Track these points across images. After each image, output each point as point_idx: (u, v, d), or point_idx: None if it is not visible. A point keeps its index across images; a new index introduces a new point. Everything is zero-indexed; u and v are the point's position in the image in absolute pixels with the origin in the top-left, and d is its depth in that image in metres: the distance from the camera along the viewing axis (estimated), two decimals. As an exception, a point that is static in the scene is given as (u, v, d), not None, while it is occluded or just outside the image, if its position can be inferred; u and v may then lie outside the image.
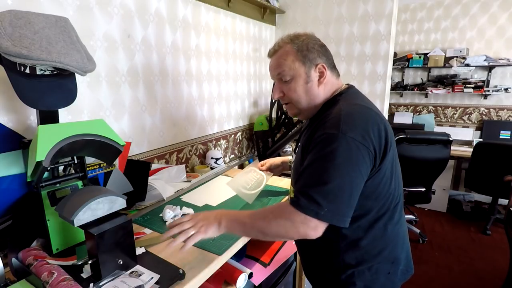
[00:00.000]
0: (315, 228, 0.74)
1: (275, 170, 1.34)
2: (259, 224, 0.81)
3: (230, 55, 2.10)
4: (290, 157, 1.34)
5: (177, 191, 1.36)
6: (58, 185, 0.89)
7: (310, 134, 0.84)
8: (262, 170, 1.33)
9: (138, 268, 0.81)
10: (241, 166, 2.30)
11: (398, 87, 3.92)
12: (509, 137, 3.40)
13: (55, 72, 0.82)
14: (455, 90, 3.55)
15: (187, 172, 1.58)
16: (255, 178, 1.28)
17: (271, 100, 2.20)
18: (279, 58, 0.90)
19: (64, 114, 1.14)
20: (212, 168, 1.80)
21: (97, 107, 1.27)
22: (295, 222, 0.75)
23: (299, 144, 0.97)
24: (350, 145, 0.74)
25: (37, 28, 0.77)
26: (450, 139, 2.45)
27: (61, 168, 0.92)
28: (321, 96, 0.90)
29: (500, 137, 3.44)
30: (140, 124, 1.48)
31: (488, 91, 3.43)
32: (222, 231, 0.84)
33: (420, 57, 3.68)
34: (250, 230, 0.83)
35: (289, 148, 2.22)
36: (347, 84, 0.95)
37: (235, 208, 1.22)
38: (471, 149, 2.89)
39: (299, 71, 0.87)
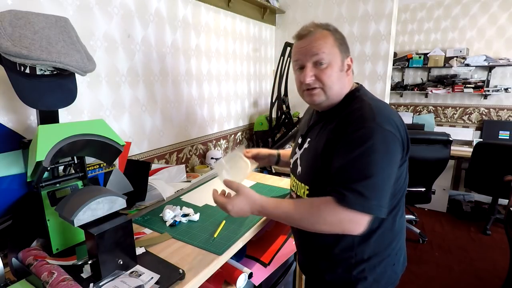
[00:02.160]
0: (360, 223, 0.75)
1: (260, 161, 1.24)
2: (302, 223, 0.80)
3: (230, 55, 2.10)
4: (278, 151, 1.27)
5: (177, 191, 1.36)
6: (58, 185, 0.89)
7: (336, 129, 0.83)
8: (247, 157, 1.20)
9: (138, 268, 0.81)
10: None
11: (398, 87, 3.92)
12: (508, 137, 3.39)
13: (55, 72, 0.82)
14: (455, 90, 3.55)
15: (187, 172, 1.58)
16: (239, 164, 1.18)
17: (271, 100, 2.20)
18: (317, 40, 0.84)
19: (64, 114, 1.14)
20: (212, 168, 1.80)
21: (97, 107, 1.27)
22: (342, 219, 0.75)
23: (308, 139, 0.95)
24: (388, 138, 0.76)
25: (37, 28, 0.77)
26: (450, 139, 2.45)
27: (61, 168, 0.92)
28: (346, 87, 0.89)
29: (499, 137, 3.44)
30: (140, 124, 1.48)
31: (488, 91, 3.43)
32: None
33: (420, 57, 3.68)
34: (291, 224, 0.85)
35: (289, 148, 2.22)
36: (356, 82, 0.95)
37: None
38: (471, 149, 2.89)
39: (336, 57, 0.85)
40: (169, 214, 1.10)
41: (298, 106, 2.39)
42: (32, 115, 1.04)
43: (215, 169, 1.13)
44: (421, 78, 3.89)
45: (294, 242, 1.20)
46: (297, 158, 0.98)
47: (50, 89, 0.82)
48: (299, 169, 0.95)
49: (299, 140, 1.01)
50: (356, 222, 0.75)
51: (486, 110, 3.59)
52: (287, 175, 1.40)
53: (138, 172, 1.20)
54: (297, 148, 1.00)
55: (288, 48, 2.06)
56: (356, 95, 0.89)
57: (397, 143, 0.78)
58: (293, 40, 0.92)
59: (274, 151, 1.26)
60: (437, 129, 3.68)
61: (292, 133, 2.17)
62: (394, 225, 0.89)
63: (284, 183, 1.50)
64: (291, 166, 1.04)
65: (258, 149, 1.24)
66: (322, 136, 0.88)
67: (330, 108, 0.90)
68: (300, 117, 2.36)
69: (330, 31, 0.87)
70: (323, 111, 0.93)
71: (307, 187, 0.91)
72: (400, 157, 0.80)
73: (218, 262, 0.88)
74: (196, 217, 1.11)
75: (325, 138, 0.86)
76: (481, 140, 3.18)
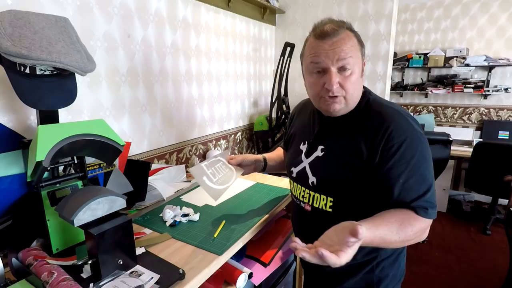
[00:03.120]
0: (429, 229, 0.79)
1: (246, 168, 1.15)
2: (400, 241, 0.75)
3: (230, 55, 2.10)
4: (263, 155, 1.19)
5: (177, 191, 1.36)
6: (58, 185, 0.89)
7: (372, 142, 0.78)
8: (231, 164, 1.13)
9: (138, 268, 0.81)
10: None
11: (398, 87, 3.92)
12: (507, 137, 3.40)
13: (55, 72, 0.82)
14: (455, 90, 3.55)
15: (187, 172, 1.57)
16: (223, 171, 1.09)
17: (271, 100, 2.20)
18: (344, 43, 0.76)
19: (64, 114, 1.14)
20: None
21: (97, 107, 1.27)
22: (423, 230, 0.78)
23: (320, 146, 0.88)
24: (425, 141, 0.79)
25: (37, 28, 0.77)
26: (450, 139, 2.46)
27: (61, 168, 0.92)
28: (361, 92, 0.86)
29: (499, 137, 3.44)
30: (140, 124, 1.48)
31: (488, 91, 3.43)
32: None
33: (420, 57, 3.68)
34: (387, 244, 0.75)
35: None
36: None
37: (239, 207, 1.22)
38: (471, 149, 2.89)
39: (359, 62, 0.80)
40: (169, 214, 1.10)
41: (298, 106, 2.39)
42: (32, 115, 1.04)
43: (192, 173, 1.03)
44: (421, 78, 3.89)
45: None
46: (304, 167, 0.91)
47: (50, 89, 0.82)
48: (313, 179, 0.88)
49: (303, 147, 0.93)
50: (427, 229, 0.79)
51: (486, 110, 3.59)
52: (285, 174, 1.38)
53: (138, 172, 1.20)
54: (302, 156, 0.92)
55: (288, 48, 2.06)
56: (371, 99, 0.86)
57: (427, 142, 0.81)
58: (311, 38, 0.81)
59: (259, 157, 1.18)
60: (437, 129, 3.68)
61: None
62: None
63: (284, 183, 1.50)
64: (294, 175, 0.96)
65: (243, 155, 1.16)
66: (347, 145, 0.82)
67: (345, 115, 0.85)
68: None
69: (353, 32, 0.80)
70: (333, 116, 0.86)
71: (330, 198, 0.85)
72: None
73: (218, 262, 0.88)
74: (196, 217, 1.11)
75: (353, 148, 0.81)
76: (481, 140, 3.18)
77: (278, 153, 1.25)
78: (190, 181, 1.49)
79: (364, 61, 0.84)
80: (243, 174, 1.16)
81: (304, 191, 0.92)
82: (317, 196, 0.88)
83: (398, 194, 0.77)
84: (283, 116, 2.22)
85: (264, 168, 1.19)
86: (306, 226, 0.95)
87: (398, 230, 0.72)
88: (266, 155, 1.21)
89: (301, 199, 0.94)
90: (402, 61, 3.78)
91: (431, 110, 3.89)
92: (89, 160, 0.98)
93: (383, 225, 0.72)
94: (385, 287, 0.91)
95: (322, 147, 0.88)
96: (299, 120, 1.04)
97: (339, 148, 0.84)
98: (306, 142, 0.93)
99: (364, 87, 0.88)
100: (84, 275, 0.78)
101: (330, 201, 0.85)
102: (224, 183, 1.04)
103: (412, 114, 3.82)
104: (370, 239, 0.67)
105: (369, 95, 0.87)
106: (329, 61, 0.77)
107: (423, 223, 0.77)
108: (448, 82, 3.63)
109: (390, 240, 0.72)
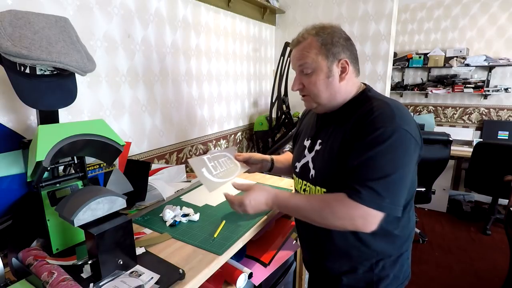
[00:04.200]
0: (372, 221, 0.76)
1: (252, 166, 1.20)
2: (313, 216, 0.82)
3: (230, 55, 2.10)
4: (271, 157, 1.21)
5: (177, 191, 1.36)
6: (58, 185, 0.89)
7: (354, 128, 0.82)
8: (238, 160, 1.14)
9: (138, 268, 0.81)
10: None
11: (398, 87, 3.92)
12: (507, 137, 3.40)
13: (55, 72, 0.82)
14: (455, 90, 3.55)
15: (187, 172, 1.57)
16: (227, 165, 1.08)
17: (271, 100, 2.20)
18: (302, 50, 0.87)
19: (64, 114, 1.14)
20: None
21: (97, 107, 1.27)
22: (355, 215, 0.76)
23: (319, 140, 0.93)
24: (406, 138, 0.77)
25: (37, 28, 0.77)
26: (450, 139, 2.46)
27: (61, 168, 0.91)
28: (343, 92, 0.88)
29: (498, 137, 3.44)
30: (140, 124, 1.48)
31: (488, 91, 3.43)
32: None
33: (420, 57, 3.68)
34: (301, 217, 0.87)
35: (288, 148, 2.22)
36: (363, 83, 0.94)
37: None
38: (471, 149, 2.89)
39: (321, 65, 0.85)
40: (169, 214, 1.09)
41: (298, 106, 2.39)
42: (32, 115, 1.04)
43: (191, 164, 1.03)
44: (421, 78, 3.90)
45: (299, 244, 1.18)
46: (307, 161, 0.96)
47: (50, 89, 0.82)
48: (312, 172, 0.93)
49: (307, 143, 0.98)
50: (368, 219, 0.76)
51: (486, 110, 3.59)
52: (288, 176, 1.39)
53: (138, 172, 1.20)
54: (305, 151, 0.98)
55: (288, 48, 2.06)
56: (369, 95, 0.88)
57: (414, 143, 0.79)
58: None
59: (267, 157, 1.22)
60: (437, 129, 3.69)
61: (292, 133, 2.17)
62: (410, 220, 0.92)
63: (284, 183, 1.50)
64: (297, 170, 1.01)
65: (251, 153, 1.20)
66: (337, 136, 0.87)
67: (339, 110, 0.90)
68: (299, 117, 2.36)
69: (318, 36, 0.85)
70: (327, 112, 0.92)
71: (324, 189, 0.89)
72: (416, 157, 0.82)
73: (218, 262, 0.88)
74: (196, 217, 1.11)
75: (341, 138, 0.85)
76: (481, 140, 3.18)
77: (286, 156, 1.26)
78: (190, 181, 1.49)
79: (337, 62, 0.85)
80: (248, 172, 1.18)
81: (305, 184, 0.96)
82: (314, 189, 0.93)
83: (347, 176, 0.79)
84: (283, 116, 2.22)
85: (270, 169, 1.21)
86: None
87: (318, 208, 0.81)
88: (274, 156, 1.23)
89: (302, 192, 0.98)
90: (402, 61, 3.78)
91: (431, 110, 3.89)
92: (89, 160, 0.98)
93: (303, 199, 0.85)
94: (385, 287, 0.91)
95: (320, 141, 0.93)
96: (307, 119, 1.10)
97: (332, 140, 0.88)
98: (309, 138, 0.98)
99: (365, 84, 0.93)
100: (84, 275, 0.78)
101: (324, 192, 0.89)
102: (225, 177, 1.04)
103: (412, 114, 3.83)
104: (284, 205, 0.87)
105: (368, 91, 0.90)
106: (294, 65, 0.91)
107: (352, 208, 0.75)
108: (448, 82, 3.63)
109: (306, 215, 0.84)
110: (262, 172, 1.30)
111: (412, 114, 3.84)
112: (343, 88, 0.88)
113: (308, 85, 0.88)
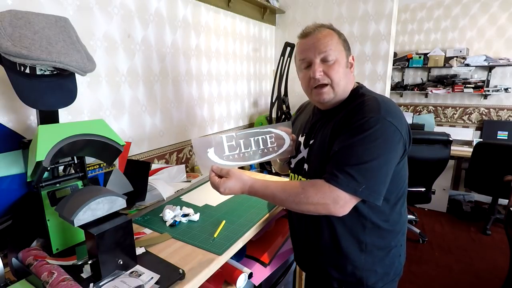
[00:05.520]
0: (344, 205, 0.77)
1: (283, 160, 1.12)
2: (288, 202, 0.82)
3: (230, 55, 2.10)
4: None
5: (177, 191, 1.36)
6: (58, 185, 0.89)
7: (341, 119, 0.85)
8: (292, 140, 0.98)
9: (138, 268, 0.81)
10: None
11: (398, 87, 3.92)
12: (506, 138, 3.39)
13: (55, 72, 0.82)
14: (455, 90, 3.55)
15: (187, 172, 1.57)
16: (264, 144, 0.93)
17: (271, 100, 2.20)
18: (323, 37, 0.87)
19: (64, 114, 1.14)
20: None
21: (97, 107, 1.27)
22: (327, 197, 0.77)
23: (314, 137, 0.95)
24: (389, 128, 0.78)
25: (37, 28, 0.77)
26: (450, 139, 2.45)
27: (61, 168, 0.92)
28: (351, 85, 0.92)
29: (497, 137, 3.44)
30: (140, 124, 1.48)
31: (488, 91, 3.42)
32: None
33: (420, 57, 3.68)
34: (278, 204, 0.88)
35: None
36: (356, 82, 0.97)
37: (238, 208, 1.22)
38: (471, 149, 2.89)
39: (342, 54, 0.88)
40: (169, 214, 1.10)
41: (298, 106, 2.39)
42: (32, 115, 1.04)
43: (194, 144, 0.92)
44: (421, 78, 3.89)
45: (291, 240, 1.16)
46: (303, 157, 0.98)
47: (50, 89, 0.82)
48: (306, 166, 0.95)
49: (301, 139, 1.00)
50: (339, 203, 0.77)
51: (486, 110, 3.59)
52: (286, 174, 1.38)
53: (138, 172, 1.20)
54: (301, 147, 1.00)
55: (288, 48, 2.06)
56: (360, 92, 0.91)
57: (399, 135, 0.80)
58: (298, 40, 0.93)
59: None
60: (437, 129, 3.68)
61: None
62: (401, 216, 0.93)
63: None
64: (292, 165, 1.03)
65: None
66: (327, 129, 0.89)
67: (336, 106, 0.92)
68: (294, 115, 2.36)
69: (333, 30, 0.90)
70: (328, 109, 0.94)
71: None
72: (401, 152, 0.82)
73: (218, 262, 0.88)
74: (196, 217, 1.11)
75: (331, 129, 0.87)
76: (481, 140, 3.18)
77: None
78: (190, 181, 1.49)
79: (350, 56, 0.91)
80: (281, 159, 1.08)
81: (299, 179, 0.98)
82: None
83: (328, 162, 0.82)
84: (283, 116, 2.22)
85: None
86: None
87: (293, 194, 0.81)
88: None
89: None
90: (402, 61, 3.78)
91: (431, 110, 3.89)
92: (89, 160, 0.98)
93: (278, 186, 0.85)
94: (375, 283, 0.91)
95: (314, 135, 0.95)
96: (302, 116, 1.12)
97: (323, 134, 0.90)
98: (304, 134, 1.00)
99: (358, 83, 0.96)
100: (84, 275, 0.78)
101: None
102: (247, 159, 0.93)
103: (412, 114, 3.83)
104: (260, 194, 0.86)
105: (360, 89, 0.93)
106: (311, 54, 0.87)
107: (327, 191, 0.77)
108: (448, 82, 3.63)
109: (282, 202, 0.84)
110: (268, 169, 1.29)
111: (412, 114, 3.83)
112: (350, 81, 0.92)
113: (331, 72, 0.86)
